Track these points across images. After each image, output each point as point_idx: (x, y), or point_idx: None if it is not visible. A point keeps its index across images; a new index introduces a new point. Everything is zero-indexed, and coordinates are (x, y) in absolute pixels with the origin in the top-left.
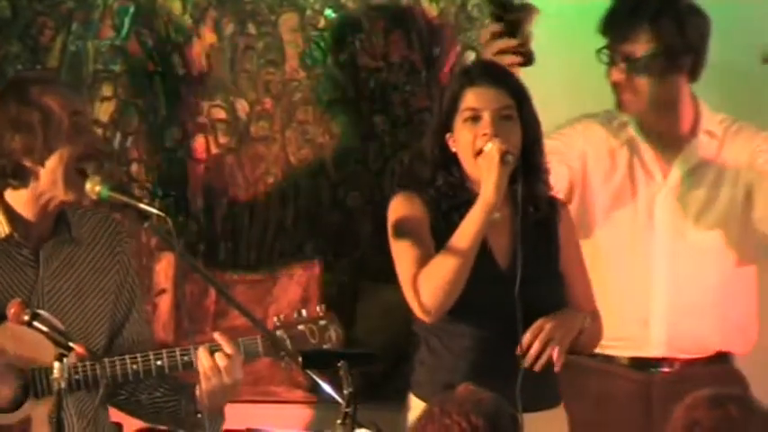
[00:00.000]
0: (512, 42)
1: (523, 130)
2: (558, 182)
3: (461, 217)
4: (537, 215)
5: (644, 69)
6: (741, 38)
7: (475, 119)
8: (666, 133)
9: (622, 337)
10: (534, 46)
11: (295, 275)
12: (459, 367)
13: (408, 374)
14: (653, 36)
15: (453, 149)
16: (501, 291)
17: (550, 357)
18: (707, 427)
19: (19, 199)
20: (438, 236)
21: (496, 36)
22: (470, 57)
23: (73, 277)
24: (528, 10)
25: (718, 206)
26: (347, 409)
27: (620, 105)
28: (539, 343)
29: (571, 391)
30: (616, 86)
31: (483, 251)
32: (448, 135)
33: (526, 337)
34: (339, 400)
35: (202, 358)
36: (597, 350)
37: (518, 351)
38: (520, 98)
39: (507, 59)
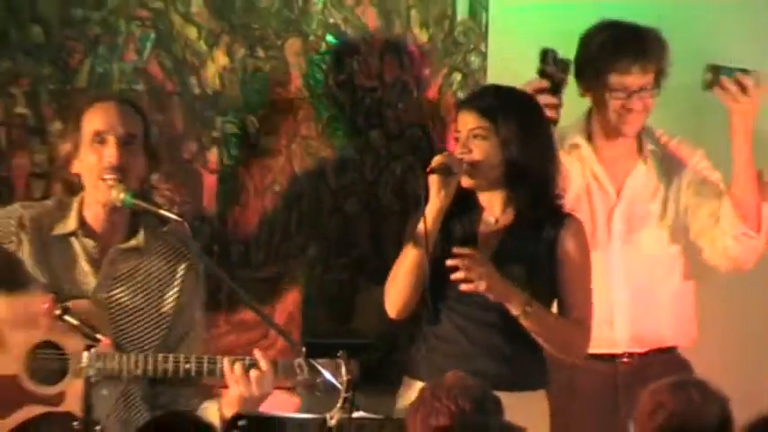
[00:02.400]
0: (553, 100)
1: (504, 147)
2: None
3: (470, 228)
4: (531, 223)
5: (637, 98)
6: (686, 60)
7: (457, 139)
8: (619, 153)
9: (597, 334)
10: None
11: (299, 275)
12: (449, 352)
13: (401, 362)
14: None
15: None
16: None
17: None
18: (669, 409)
19: (87, 198)
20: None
21: (540, 91)
22: (457, 78)
23: (135, 284)
24: (569, 69)
25: (666, 221)
26: (346, 394)
27: (617, 130)
28: (466, 262)
29: (560, 389)
30: (615, 113)
31: (470, 248)
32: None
33: (458, 251)
34: (339, 386)
35: (236, 370)
36: None
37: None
38: (495, 120)
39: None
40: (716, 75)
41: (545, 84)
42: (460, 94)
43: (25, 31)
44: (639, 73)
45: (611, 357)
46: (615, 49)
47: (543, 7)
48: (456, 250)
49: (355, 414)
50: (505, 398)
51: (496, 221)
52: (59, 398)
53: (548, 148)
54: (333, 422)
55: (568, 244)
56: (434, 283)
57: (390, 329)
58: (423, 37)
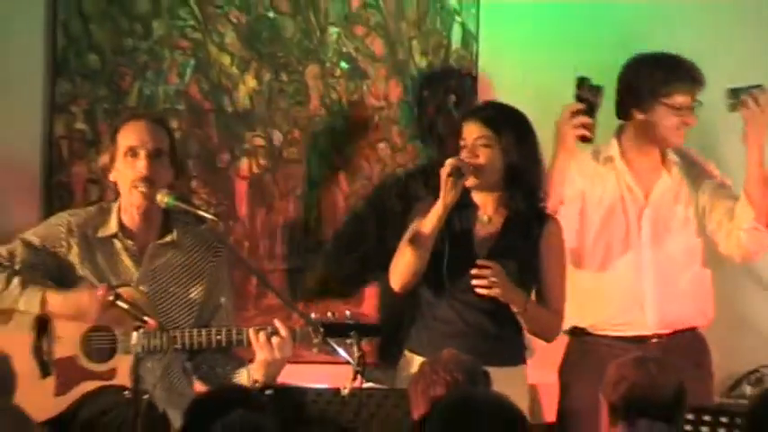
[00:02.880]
0: (588, 120)
1: (504, 154)
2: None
3: (467, 223)
4: (521, 223)
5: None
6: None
7: (464, 146)
8: (647, 164)
9: (625, 321)
10: None
11: (317, 266)
12: (440, 327)
13: (404, 339)
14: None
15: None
16: (461, 268)
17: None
18: (631, 381)
19: (123, 204)
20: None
21: (576, 113)
22: (452, 99)
23: (170, 275)
24: (602, 97)
25: (688, 220)
26: (358, 368)
27: (666, 143)
28: (488, 272)
29: (584, 361)
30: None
31: (467, 242)
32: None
33: (480, 264)
34: (351, 361)
35: (260, 338)
36: (609, 331)
37: (473, 270)
38: (501, 129)
39: (579, 132)
40: (736, 97)
41: (581, 107)
42: (455, 113)
43: (83, 59)
44: (691, 94)
45: (642, 339)
46: (675, 75)
47: (528, 41)
48: (480, 262)
49: (365, 385)
50: (494, 372)
51: (489, 219)
52: (111, 373)
53: (538, 157)
54: (346, 392)
55: (550, 241)
56: (434, 268)
57: (394, 312)
58: (422, 63)
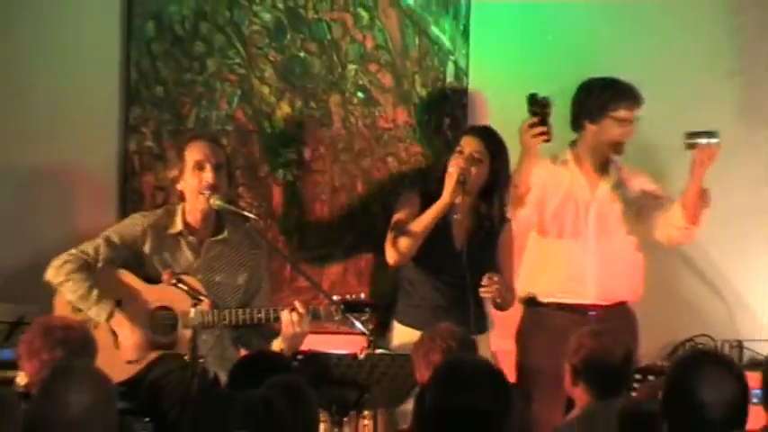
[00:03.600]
0: (544, 128)
1: (491, 172)
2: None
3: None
4: (488, 225)
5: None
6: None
7: (461, 152)
8: (594, 168)
9: (570, 290)
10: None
11: (337, 256)
12: (421, 301)
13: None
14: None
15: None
16: (453, 261)
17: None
18: (588, 348)
19: (188, 207)
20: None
21: (533, 125)
22: (446, 122)
23: (221, 264)
24: (552, 107)
25: (625, 214)
26: (371, 338)
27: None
28: (495, 284)
29: (537, 327)
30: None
31: (447, 237)
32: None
33: (490, 277)
34: (366, 332)
35: (285, 316)
36: (557, 299)
37: (483, 281)
38: (493, 150)
39: (538, 139)
40: (692, 138)
41: (536, 119)
42: (449, 133)
43: (151, 90)
44: (632, 110)
45: (583, 308)
46: (621, 95)
47: (508, 75)
48: (488, 275)
49: (377, 351)
50: None
51: (462, 219)
52: (173, 344)
53: (508, 172)
54: (362, 356)
55: (507, 237)
56: (421, 254)
57: (385, 289)
58: (423, 93)
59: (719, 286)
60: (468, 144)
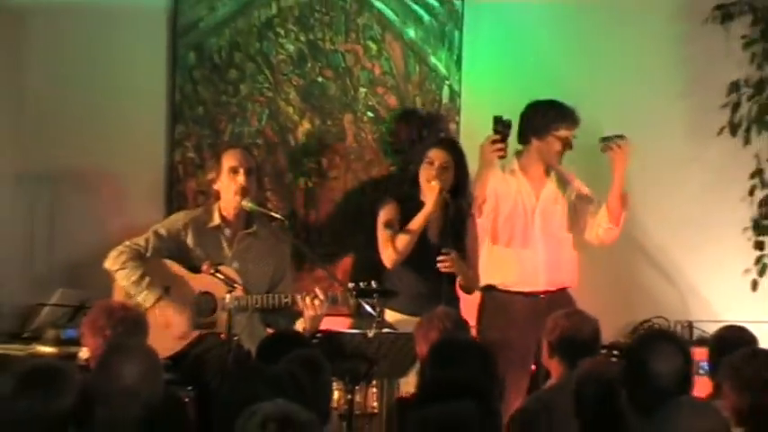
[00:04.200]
0: (503, 145)
1: (455, 176)
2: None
3: (414, 214)
4: (457, 221)
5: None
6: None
7: (431, 163)
8: (537, 175)
9: (525, 281)
10: None
11: (349, 250)
12: (405, 290)
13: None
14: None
15: (420, 178)
16: (430, 253)
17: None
18: (561, 327)
19: (223, 205)
20: (402, 222)
21: (495, 141)
22: (442, 136)
23: (251, 255)
24: (512, 128)
25: (564, 215)
26: (379, 319)
27: (553, 161)
28: (449, 259)
29: (496, 308)
30: (556, 152)
31: (423, 234)
32: (418, 168)
33: (447, 252)
34: (374, 314)
35: (307, 301)
36: (513, 288)
37: (440, 258)
38: (456, 158)
39: (497, 154)
40: (605, 142)
41: (497, 137)
42: None
43: (193, 110)
44: (572, 130)
45: (535, 294)
46: (562, 117)
47: (494, 97)
48: (444, 251)
49: (383, 330)
50: None
51: (435, 218)
52: (212, 324)
53: (468, 174)
54: (371, 335)
55: (472, 230)
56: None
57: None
58: (423, 113)
59: (674, 275)
60: (437, 156)
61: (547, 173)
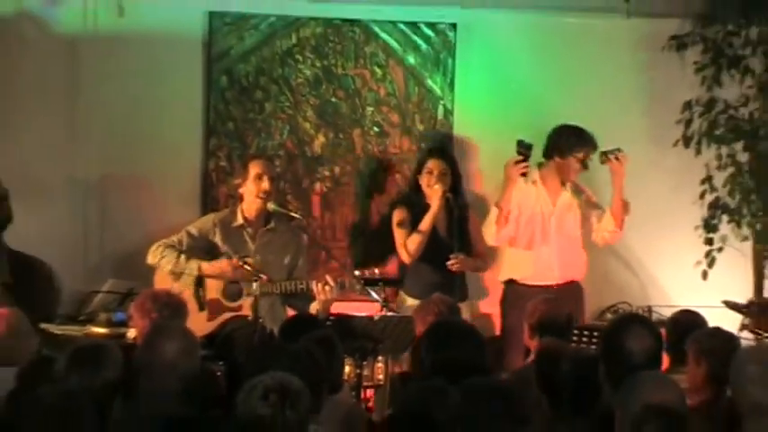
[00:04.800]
0: (527, 165)
1: (452, 179)
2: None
3: (422, 216)
4: (457, 214)
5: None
6: None
7: (430, 172)
8: (555, 186)
9: (541, 275)
10: None
11: (357, 245)
12: (421, 279)
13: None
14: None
15: (420, 183)
16: (440, 247)
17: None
18: (540, 312)
19: (245, 206)
20: (413, 224)
21: (518, 162)
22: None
23: (271, 248)
24: (532, 149)
25: (576, 220)
26: (383, 304)
27: (568, 176)
28: (457, 261)
29: (515, 298)
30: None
31: (434, 230)
32: (418, 176)
33: (455, 256)
34: (379, 300)
35: (319, 287)
36: (530, 282)
37: (449, 262)
38: (451, 164)
39: (521, 172)
40: (605, 155)
41: (520, 158)
42: None
43: (225, 126)
44: (589, 153)
45: (549, 287)
46: (583, 142)
47: (484, 116)
48: (452, 255)
49: (387, 313)
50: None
51: (439, 217)
52: (240, 308)
53: (460, 173)
54: (377, 318)
55: (473, 219)
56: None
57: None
58: (420, 128)
59: (636, 267)
60: (435, 166)
61: (563, 183)
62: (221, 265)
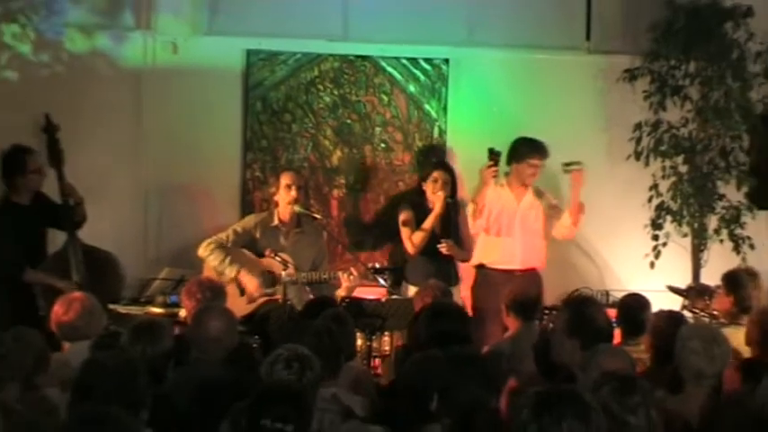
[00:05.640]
0: (496, 169)
1: (452, 187)
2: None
3: (425, 217)
4: (453, 214)
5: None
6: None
7: (435, 181)
8: (520, 189)
9: (506, 260)
10: None
11: (368, 242)
12: (421, 268)
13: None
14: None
15: (424, 189)
16: (437, 242)
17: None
18: (513, 292)
19: (280, 210)
20: (417, 223)
21: (490, 166)
22: (433, 161)
23: (299, 246)
24: (501, 156)
25: (538, 217)
26: (390, 289)
27: (525, 182)
28: (447, 246)
29: (484, 282)
30: (529, 175)
31: (433, 230)
32: (423, 184)
33: (446, 241)
34: (386, 285)
35: (344, 276)
36: (496, 266)
37: (440, 246)
38: (451, 175)
39: (492, 174)
40: (566, 166)
41: (492, 163)
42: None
43: (259, 143)
44: (542, 160)
45: (512, 271)
46: (533, 150)
47: (472, 135)
48: (443, 240)
49: (392, 297)
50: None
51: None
52: (273, 293)
53: (457, 183)
54: (383, 300)
55: (463, 216)
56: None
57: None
58: (419, 144)
59: (595, 258)
60: (440, 176)
61: (525, 187)
62: (252, 283)
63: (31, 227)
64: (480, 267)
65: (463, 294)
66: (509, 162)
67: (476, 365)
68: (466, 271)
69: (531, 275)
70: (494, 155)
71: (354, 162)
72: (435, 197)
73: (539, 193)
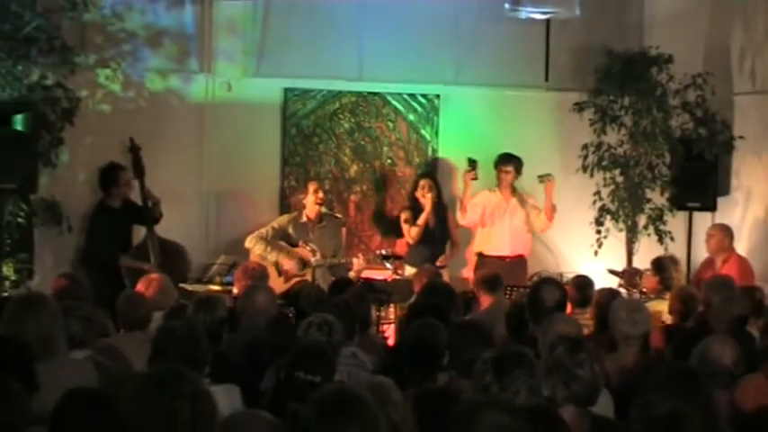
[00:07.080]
0: (474, 174)
1: (437, 191)
2: (477, 211)
3: (419, 215)
4: (440, 212)
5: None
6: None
7: (423, 187)
8: (507, 192)
9: (498, 248)
10: None
11: (377, 235)
12: (418, 255)
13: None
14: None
15: (416, 195)
16: (431, 234)
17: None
18: (482, 273)
19: (307, 211)
20: (414, 220)
21: (468, 172)
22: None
23: (323, 237)
24: (478, 164)
25: (522, 215)
26: (395, 271)
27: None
28: (444, 260)
29: (482, 265)
30: (504, 180)
31: (427, 224)
32: (415, 192)
33: (443, 258)
34: (392, 268)
35: (357, 261)
36: (491, 253)
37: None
38: (437, 182)
39: (471, 178)
40: (540, 177)
41: (470, 168)
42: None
43: (294, 159)
44: (512, 168)
45: (503, 257)
46: (501, 159)
47: (461, 152)
48: (442, 257)
49: (397, 277)
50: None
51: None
52: (304, 275)
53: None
54: (389, 279)
55: (450, 215)
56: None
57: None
58: (417, 161)
59: (552, 248)
60: (425, 183)
61: (512, 193)
62: (290, 265)
63: (122, 225)
64: (479, 255)
65: (466, 276)
66: (496, 167)
67: (475, 329)
68: (468, 258)
69: (519, 261)
70: (471, 162)
71: (368, 174)
72: (424, 200)
73: (522, 198)
